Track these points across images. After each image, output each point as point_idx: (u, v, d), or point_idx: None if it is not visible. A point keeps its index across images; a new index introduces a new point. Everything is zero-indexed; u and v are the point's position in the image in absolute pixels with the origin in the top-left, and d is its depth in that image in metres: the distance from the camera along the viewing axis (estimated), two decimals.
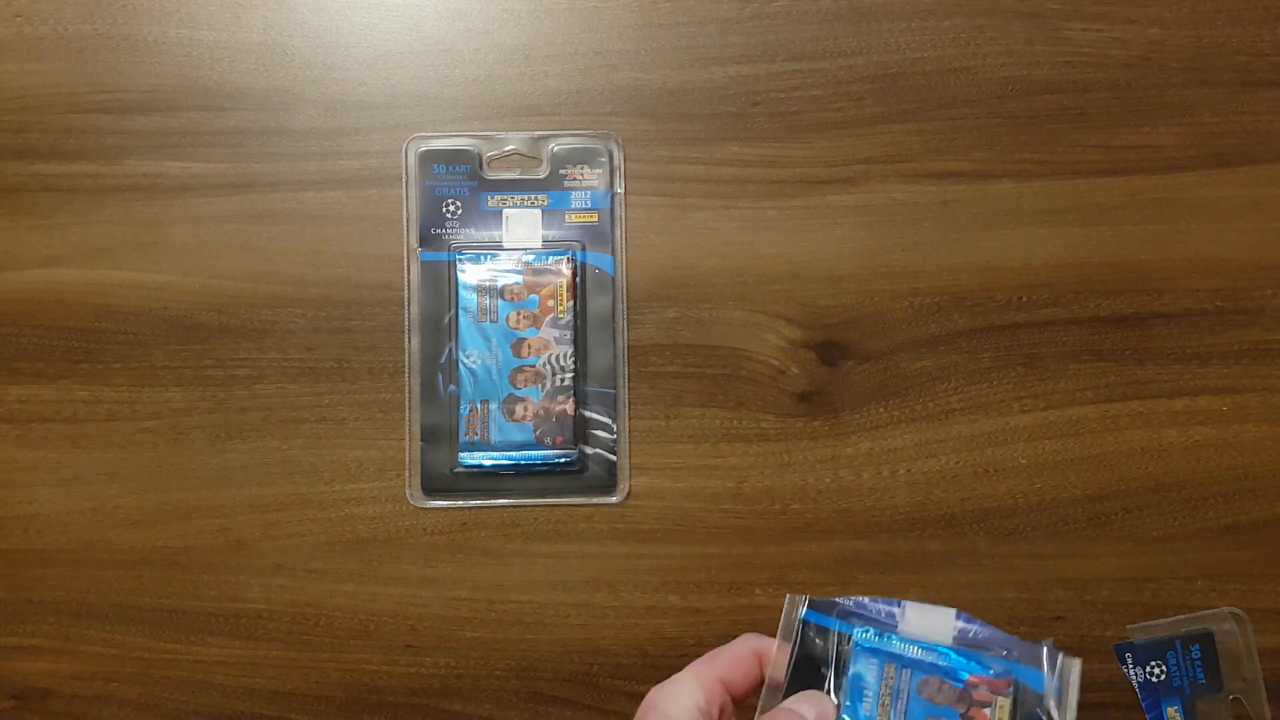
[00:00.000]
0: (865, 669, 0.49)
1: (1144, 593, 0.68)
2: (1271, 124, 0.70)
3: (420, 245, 0.69)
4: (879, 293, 0.69)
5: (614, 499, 0.68)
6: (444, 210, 0.69)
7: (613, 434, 0.68)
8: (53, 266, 0.69)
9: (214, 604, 0.68)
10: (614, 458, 0.68)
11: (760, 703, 0.47)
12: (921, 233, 0.69)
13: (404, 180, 0.69)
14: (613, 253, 0.69)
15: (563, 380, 0.68)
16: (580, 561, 0.69)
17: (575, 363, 0.68)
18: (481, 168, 0.69)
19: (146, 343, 0.69)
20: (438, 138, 0.69)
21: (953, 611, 0.50)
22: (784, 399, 0.69)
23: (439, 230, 0.69)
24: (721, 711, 0.47)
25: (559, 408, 0.68)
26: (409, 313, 0.69)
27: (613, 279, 0.69)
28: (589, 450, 0.68)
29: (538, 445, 0.68)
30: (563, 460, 0.68)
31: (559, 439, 0.68)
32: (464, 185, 0.69)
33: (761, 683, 0.48)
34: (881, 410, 0.69)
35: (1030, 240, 0.69)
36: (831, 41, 0.70)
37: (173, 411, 0.68)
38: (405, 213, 0.69)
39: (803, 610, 0.49)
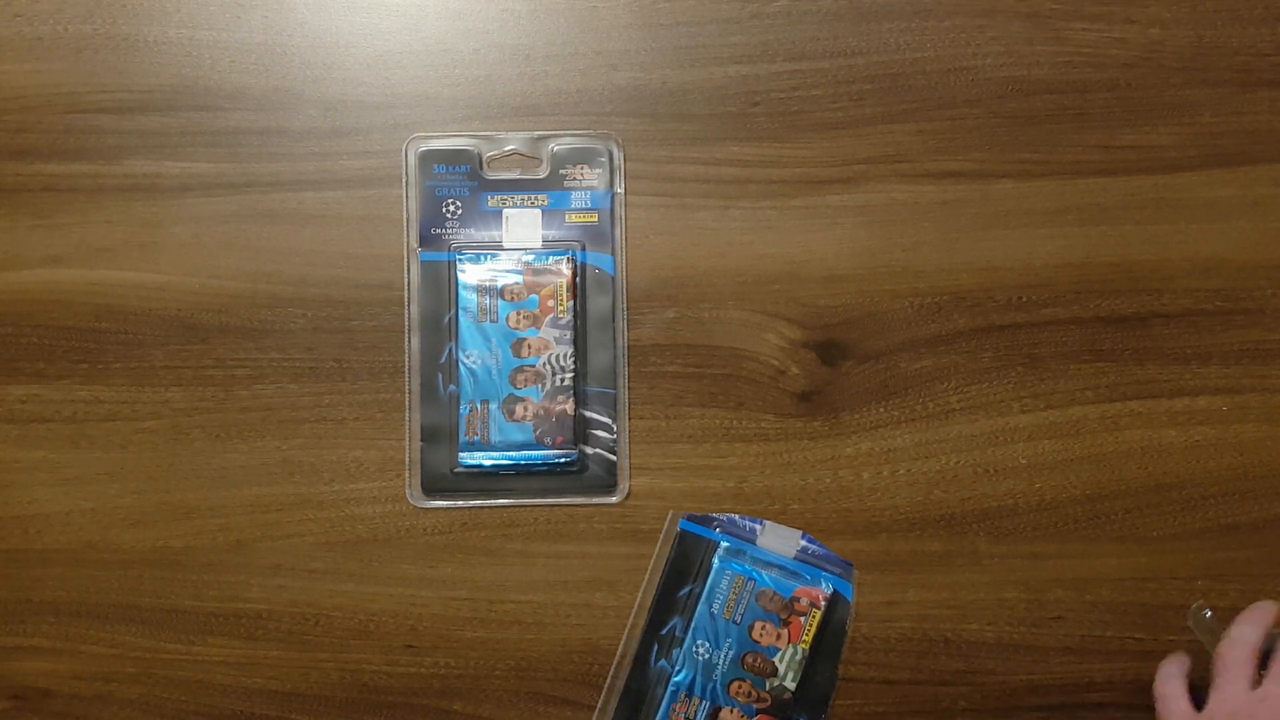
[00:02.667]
0: (722, 577, 0.63)
1: (1144, 593, 0.68)
2: (1271, 124, 0.70)
3: (420, 245, 0.69)
4: (879, 293, 0.69)
5: (614, 499, 0.68)
6: (444, 210, 0.69)
7: (613, 434, 0.68)
8: (53, 266, 0.69)
9: (214, 604, 0.68)
10: (614, 458, 0.68)
11: (639, 597, 0.60)
12: (921, 233, 0.69)
13: (404, 180, 0.69)
14: (613, 253, 0.69)
15: (563, 380, 0.68)
16: (580, 561, 0.68)
17: (575, 363, 0.68)
18: (481, 168, 0.69)
19: (146, 343, 0.69)
20: (438, 138, 0.69)
21: (799, 532, 0.62)
22: (784, 399, 0.69)
23: (439, 230, 0.69)
24: None
25: (559, 408, 0.68)
26: (409, 313, 0.69)
27: (613, 279, 0.69)
28: (589, 450, 0.68)
29: (538, 445, 0.68)
30: (563, 460, 0.68)
31: (559, 439, 0.68)
32: (464, 185, 0.69)
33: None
34: (881, 410, 0.69)
35: (1030, 240, 0.69)
36: (831, 41, 0.70)
37: (173, 411, 0.68)
38: (405, 213, 0.69)
39: (681, 521, 0.63)
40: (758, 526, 0.64)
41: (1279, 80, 0.70)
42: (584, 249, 0.69)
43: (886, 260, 0.69)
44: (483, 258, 0.69)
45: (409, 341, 0.69)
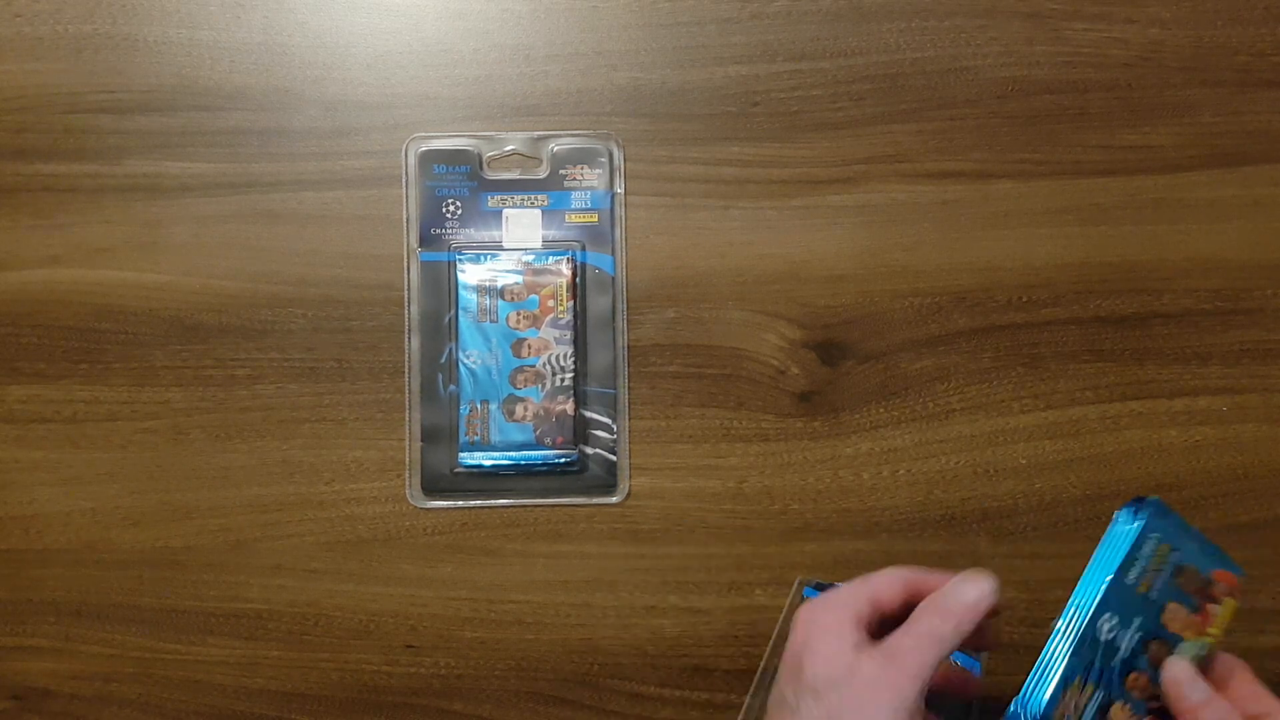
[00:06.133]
0: (1146, 540, 0.50)
1: None
2: (1271, 124, 0.70)
3: (420, 245, 0.69)
4: (879, 293, 0.69)
5: (614, 499, 0.68)
6: (444, 210, 0.69)
7: (613, 434, 0.68)
8: (53, 266, 0.69)
9: (214, 604, 0.68)
10: (614, 458, 0.68)
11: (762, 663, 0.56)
12: (921, 233, 0.69)
13: (404, 180, 0.69)
14: (613, 253, 0.69)
15: (563, 380, 0.68)
16: (580, 561, 0.69)
17: (575, 363, 0.68)
18: (481, 168, 0.69)
19: (146, 343, 0.69)
20: (438, 138, 0.69)
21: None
22: (784, 399, 0.69)
23: (439, 230, 0.69)
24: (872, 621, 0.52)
25: (559, 408, 0.68)
26: (409, 313, 0.69)
27: (613, 279, 0.69)
28: (589, 450, 0.68)
29: (538, 445, 0.68)
30: (563, 460, 0.68)
31: (559, 439, 0.68)
32: (464, 185, 0.69)
33: (905, 606, 0.51)
34: (881, 410, 0.69)
35: (1030, 240, 0.69)
36: (831, 41, 0.70)
37: (173, 411, 0.68)
38: (405, 213, 0.69)
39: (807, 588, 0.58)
40: None
41: (1279, 80, 0.70)
42: (584, 249, 0.69)
43: (886, 260, 0.69)
44: (483, 258, 0.69)
45: (409, 341, 0.69)
